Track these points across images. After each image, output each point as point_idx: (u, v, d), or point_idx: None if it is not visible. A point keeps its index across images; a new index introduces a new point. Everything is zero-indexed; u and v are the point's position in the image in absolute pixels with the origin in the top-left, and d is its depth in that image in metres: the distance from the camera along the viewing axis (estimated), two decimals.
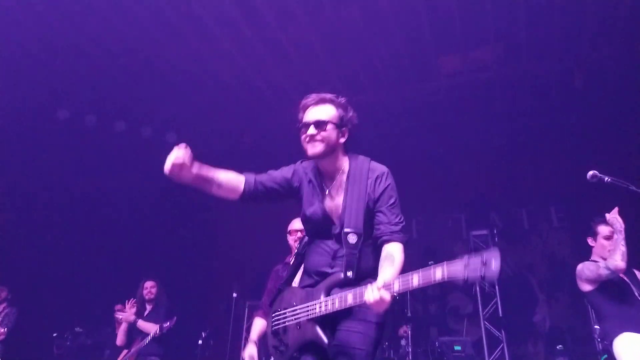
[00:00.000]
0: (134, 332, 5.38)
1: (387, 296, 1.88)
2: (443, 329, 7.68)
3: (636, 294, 3.61)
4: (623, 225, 3.55)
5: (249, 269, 8.00)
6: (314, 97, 2.32)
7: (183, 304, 6.75)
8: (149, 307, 5.57)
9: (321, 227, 2.28)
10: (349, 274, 2.12)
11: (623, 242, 3.50)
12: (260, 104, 7.30)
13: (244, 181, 2.27)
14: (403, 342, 6.01)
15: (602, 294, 3.66)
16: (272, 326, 2.35)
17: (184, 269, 8.48)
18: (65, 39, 5.90)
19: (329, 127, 2.24)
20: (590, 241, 3.92)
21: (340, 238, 2.19)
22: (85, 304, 7.37)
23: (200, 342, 6.60)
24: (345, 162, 2.34)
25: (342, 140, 2.31)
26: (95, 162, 7.68)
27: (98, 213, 8.24)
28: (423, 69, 6.53)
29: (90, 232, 8.03)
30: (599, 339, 3.99)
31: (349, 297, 2.01)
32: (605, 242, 3.78)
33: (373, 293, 1.88)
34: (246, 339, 8.00)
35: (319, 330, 2.11)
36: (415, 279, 1.84)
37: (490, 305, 7.25)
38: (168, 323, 5.02)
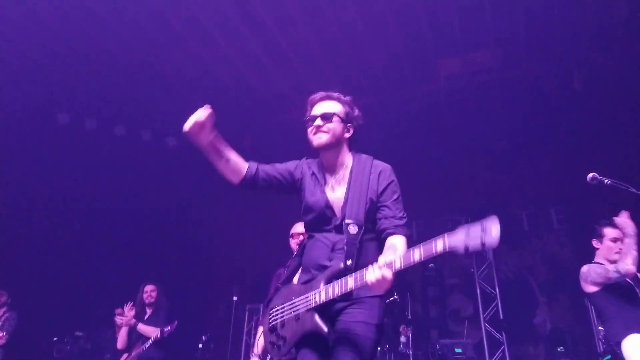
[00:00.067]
0: (134, 336, 5.37)
1: (388, 274, 1.86)
2: (444, 332, 7.67)
3: None
4: (635, 229, 3.53)
5: (249, 272, 8.01)
6: (321, 93, 2.40)
7: (183, 307, 6.75)
8: (149, 311, 5.56)
9: (322, 218, 2.28)
10: (349, 262, 2.11)
11: (635, 246, 3.49)
12: (259, 107, 7.31)
13: (246, 167, 2.32)
14: (403, 339, 5.99)
15: (607, 296, 3.65)
16: (270, 322, 2.31)
17: (184, 272, 8.48)
18: (65, 43, 5.91)
19: (335, 119, 2.32)
20: (595, 243, 3.89)
21: (340, 229, 2.20)
22: (85, 308, 7.36)
23: (200, 345, 6.58)
24: (349, 158, 2.38)
25: (347, 135, 2.38)
26: (95, 166, 7.69)
27: (98, 217, 8.25)
28: (422, 71, 6.55)
29: (90, 236, 8.04)
30: (603, 340, 3.99)
31: (350, 281, 1.99)
32: (612, 245, 3.76)
33: (374, 272, 1.88)
34: (247, 342, 8.07)
35: (318, 319, 2.06)
36: (417, 254, 1.83)
37: (490, 308, 7.24)
38: (169, 327, 5.00)
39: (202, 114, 2.13)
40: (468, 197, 7.90)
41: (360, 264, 2.11)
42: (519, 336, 7.16)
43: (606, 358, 3.91)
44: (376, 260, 2.04)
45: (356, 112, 2.43)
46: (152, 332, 5.15)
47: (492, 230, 1.70)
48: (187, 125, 2.12)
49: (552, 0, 5.32)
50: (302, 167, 2.43)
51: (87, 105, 7.05)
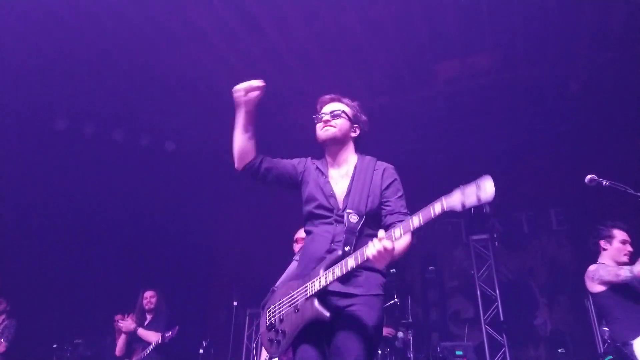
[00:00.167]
0: (134, 342, 5.36)
1: (389, 244, 1.88)
2: (444, 334, 7.66)
3: None
4: None
5: (249, 277, 7.98)
6: (331, 95, 2.57)
7: (183, 313, 6.74)
8: (149, 317, 5.55)
9: (323, 208, 2.30)
10: (347, 248, 2.11)
11: None
12: (259, 110, 7.30)
13: (255, 155, 2.41)
14: (398, 343, 5.97)
15: (614, 296, 3.65)
16: (267, 321, 2.27)
17: (184, 277, 8.46)
18: (63, 47, 5.90)
19: (343, 116, 2.45)
20: (603, 244, 3.89)
21: (340, 220, 2.22)
22: (85, 315, 7.33)
23: (201, 351, 6.56)
24: (353, 156, 2.47)
25: (354, 135, 2.50)
26: (94, 172, 7.67)
27: (97, 223, 8.24)
28: (421, 74, 6.56)
29: (90, 242, 8.02)
30: (609, 341, 3.99)
31: (350, 261, 1.99)
32: (621, 247, 3.79)
33: (375, 246, 1.88)
34: (247, 347, 8.05)
35: (318, 304, 2.03)
36: (416, 220, 1.87)
37: (491, 310, 7.24)
38: (170, 332, 4.99)
39: (257, 83, 2.38)
40: None
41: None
42: (520, 338, 7.16)
43: (607, 359, 3.91)
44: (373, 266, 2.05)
45: (363, 117, 2.56)
46: (152, 336, 5.14)
47: (486, 186, 1.77)
48: (242, 84, 2.37)
49: (550, 2, 5.34)
50: (305, 162, 2.52)
51: (85, 110, 7.04)
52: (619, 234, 3.83)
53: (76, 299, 7.46)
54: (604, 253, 3.88)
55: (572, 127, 7.22)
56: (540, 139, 7.50)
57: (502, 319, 7.08)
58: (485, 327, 7.07)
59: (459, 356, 6.22)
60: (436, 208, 1.83)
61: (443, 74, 6.60)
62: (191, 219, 8.86)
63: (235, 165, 2.41)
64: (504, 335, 6.97)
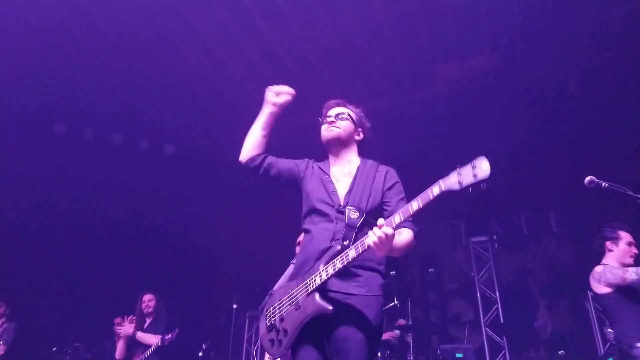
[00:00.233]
0: (133, 346, 5.34)
1: (389, 231, 1.89)
2: (444, 337, 7.65)
3: None
4: None
5: (249, 279, 7.98)
6: (336, 99, 2.64)
7: (183, 316, 6.72)
8: (148, 320, 5.53)
9: (324, 205, 2.30)
10: (346, 242, 2.12)
11: None
12: (257, 114, 7.30)
13: (262, 152, 2.54)
14: (393, 341, 5.95)
15: (620, 297, 3.63)
16: (267, 322, 2.25)
17: (183, 280, 8.45)
18: (61, 52, 5.91)
19: (348, 118, 2.51)
20: (609, 245, 3.87)
21: (341, 216, 2.23)
22: (84, 318, 7.32)
23: (200, 354, 6.55)
24: (356, 159, 2.50)
25: (357, 138, 2.55)
26: (94, 174, 7.68)
27: (96, 226, 8.23)
28: (420, 76, 6.56)
29: (89, 245, 8.01)
30: (614, 342, 3.97)
31: (351, 252, 1.99)
32: (627, 248, 3.78)
33: (376, 233, 1.89)
34: (247, 350, 8.04)
35: (320, 299, 2.01)
36: (415, 204, 1.89)
37: (491, 312, 7.23)
38: (170, 335, 4.98)
39: (289, 89, 2.57)
40: (467, 202, 7.89)
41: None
42: (520, 340, 7.15)
43: None
44: (373, 256, 2.06)
45: (367, 123, 2.61)
46: (152, 339, 5.12)
47: (482, 164, 1.80)
48: (276, 86, 2.57)
49: (549, 3, 5.35)
50: (307, 162, 2.59)
51: (84, 115, 7.04)
52: (625, 236, 3.82)
53: (76, 301, 7.46)
54: (609, 254, 3.86)
55: (572, 128, 7.21)
56: (539, 139, 7.49)
57: (502, 321, 7.07)
58: (485, 330, 7.06)
59: (459, 359, 6.20)
60: (434, 190, 1.86)
61: (442, 75, 6.60)
62: (191, 221, 8.85)
63: (240, 157, 2.51)
64: (504, 338, 6.96)
